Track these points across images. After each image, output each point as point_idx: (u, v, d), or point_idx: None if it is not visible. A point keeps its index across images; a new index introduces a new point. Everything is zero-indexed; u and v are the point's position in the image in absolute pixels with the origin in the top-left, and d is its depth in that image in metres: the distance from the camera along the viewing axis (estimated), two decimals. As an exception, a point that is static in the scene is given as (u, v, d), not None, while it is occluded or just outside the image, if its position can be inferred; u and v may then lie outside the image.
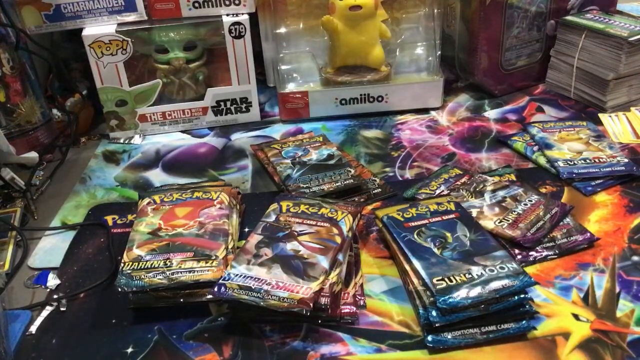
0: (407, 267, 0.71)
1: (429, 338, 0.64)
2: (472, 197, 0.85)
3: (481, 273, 0.66)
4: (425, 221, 0.76)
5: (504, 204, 0.83)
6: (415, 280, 0.68)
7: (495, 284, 0.65)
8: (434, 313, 0.63)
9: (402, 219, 0.77)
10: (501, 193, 0.85)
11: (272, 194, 0.90)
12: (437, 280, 0.66)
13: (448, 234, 0.74)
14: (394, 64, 1.16)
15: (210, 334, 0.68)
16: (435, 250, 0.71)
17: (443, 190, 0.88)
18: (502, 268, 0.67)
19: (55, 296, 0.74)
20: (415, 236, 0.74)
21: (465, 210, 0.79)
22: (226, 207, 0.81)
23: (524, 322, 0.65)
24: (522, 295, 0.65)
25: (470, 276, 0.66)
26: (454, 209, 0.79)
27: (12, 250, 0.83)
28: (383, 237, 0.80)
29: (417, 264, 0.69)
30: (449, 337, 0.64)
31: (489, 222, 0.79)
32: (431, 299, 0.65)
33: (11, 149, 0.96)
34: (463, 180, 0.90)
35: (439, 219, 0.77)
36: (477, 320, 0.64)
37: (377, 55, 1.12)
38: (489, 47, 1.15)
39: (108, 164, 1.06)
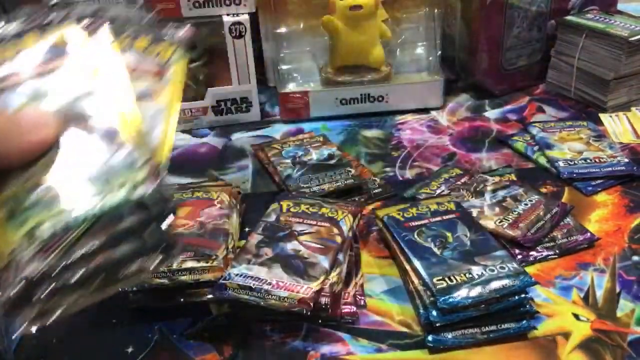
0: (408, 267, 0.70)
1: (430, 338, 0.64)
2: (472, 197, 0.85)
3: (481, 273, 0.66)
4: (426, 221, 0.76)
5: (504, 204, 0.83)
6: (415, 280, 0.68)
7: (496, 284, 0.65)
8: (434, 313, 0.63)
9: (402, 219, 0.77)
10: (501, 193, 0.85)
11: (272, 194, 0.90)
12: (438, 280, 0.66)
13: (448, 234, 0.74)
14: (394, 64, 1.16)
15: (210, 334, 0.68)
16: (436, 250, 0.71)
17: (443, 190, 0.88)
18: (502, 268, 0.67)
19: (55, 296, 0.74)
20: (416, 236, 0.74)
21: (465, 210, 0.79)
22: (226, 207, 0.81)
23: (524, 321, 0.65)
24: (522, 295, 0.65)
25: (470, 276, 0.66)
26: (454, 208, 0.79)
27: (12, 250, 0.83)
28: (383, 236, 0.80)
29: (417, 264, 0.69)
30: (449, 336, 0.64)
31: (489, 222, 0.79)
32: (431, 298, 0.65)
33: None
34: (463, 180, 0.90)
35: (439, 218, 0.77)
36: (477, 320, 0.64)
37: (378, 55, 1.12)
38: (489, 47, 1.15)
39: (108, 164, 1.05)
